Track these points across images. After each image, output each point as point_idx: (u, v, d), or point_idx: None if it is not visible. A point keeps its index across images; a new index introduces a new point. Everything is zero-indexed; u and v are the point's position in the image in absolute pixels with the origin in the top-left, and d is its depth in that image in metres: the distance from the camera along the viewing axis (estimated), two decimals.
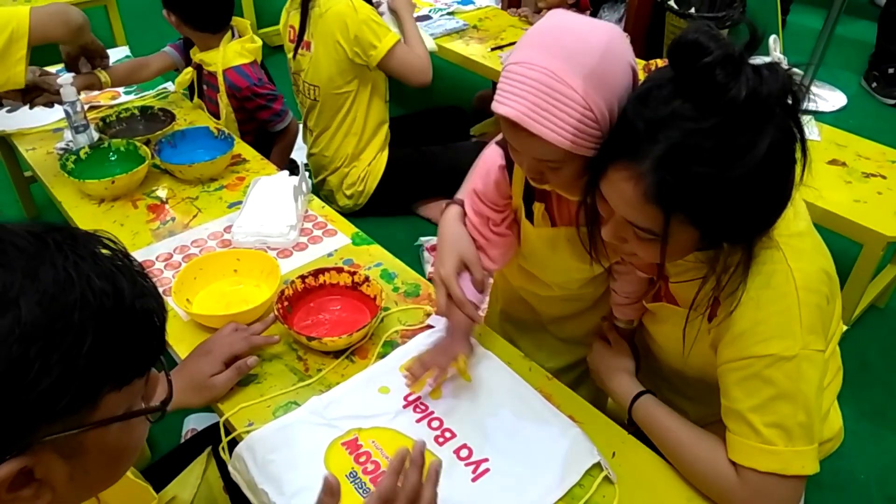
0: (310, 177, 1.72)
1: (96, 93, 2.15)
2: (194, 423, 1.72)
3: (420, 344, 1.22)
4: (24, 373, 0.51)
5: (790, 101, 0.78)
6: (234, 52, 1.99)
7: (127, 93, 2.16)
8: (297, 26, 2.31)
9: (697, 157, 0.76)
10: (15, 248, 0.55)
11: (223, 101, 2.03)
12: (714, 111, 0.75)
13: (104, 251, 0.60)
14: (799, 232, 0.91)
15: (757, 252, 0.87)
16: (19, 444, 0.53)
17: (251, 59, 2.04)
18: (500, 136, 1.11)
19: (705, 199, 0.79)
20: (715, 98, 0.75)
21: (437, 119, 2.83)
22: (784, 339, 0.87)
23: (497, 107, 0.88)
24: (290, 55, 2.39)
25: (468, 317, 1.09)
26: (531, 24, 2.89)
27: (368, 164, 2.44)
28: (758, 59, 0.77)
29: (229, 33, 2.01)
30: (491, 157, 1.15)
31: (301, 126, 2.52)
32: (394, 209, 2.58)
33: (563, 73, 0.83)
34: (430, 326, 1.26)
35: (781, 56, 0.81)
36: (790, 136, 0.78)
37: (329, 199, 2.58)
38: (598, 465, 1.01)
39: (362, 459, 1.02)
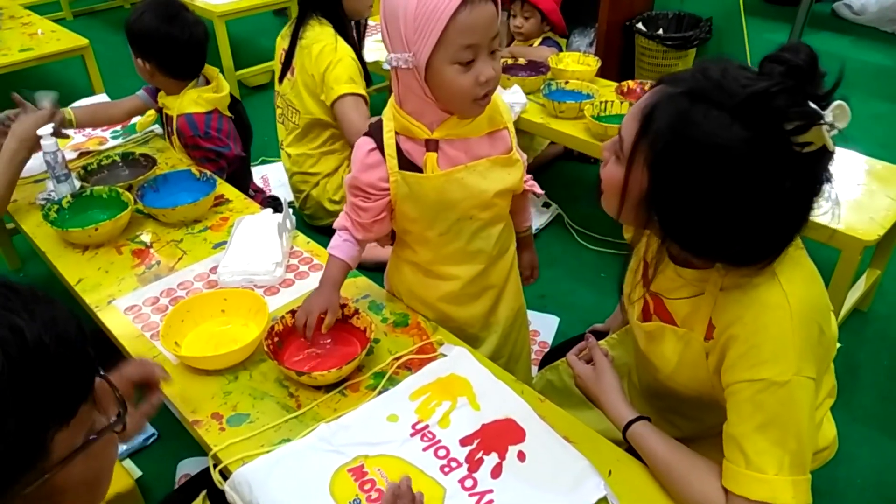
0: (294, 213, 1.73)
1: (82, 138, 2.16)
2: (188, 468, 1.70)
3: (431, 373, 1.21)
4: None
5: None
6: (189, 100, 1.97)
7: (114, 137, 2.17)
8: (286, 50, 2.40)
9: (698, 139, 0.81)
10: None
11: (176, 144, 2.05)
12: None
13: None
14: (794, 258, 0.91)
15: (751, 275, 0.89)
16: None
17: (207, 109, 1.98)
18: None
19: (672, 157, 0.84)
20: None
21: None
22: (777, 364, 0.87)
23: None
24: (277, 78, 2.48)
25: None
26: (513, 58, 2.86)
27: (347, 166, 2.51)
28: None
29: (195, 80, 2.00)
30: (359, 159, 1.25)
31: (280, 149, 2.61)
32: None
33: None
34: (443, 355, 1.25)
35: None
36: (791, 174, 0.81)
37: (316, 214, 2.62)
38: (604, 500, 0.99)
39: (367, 487, 1.02)
